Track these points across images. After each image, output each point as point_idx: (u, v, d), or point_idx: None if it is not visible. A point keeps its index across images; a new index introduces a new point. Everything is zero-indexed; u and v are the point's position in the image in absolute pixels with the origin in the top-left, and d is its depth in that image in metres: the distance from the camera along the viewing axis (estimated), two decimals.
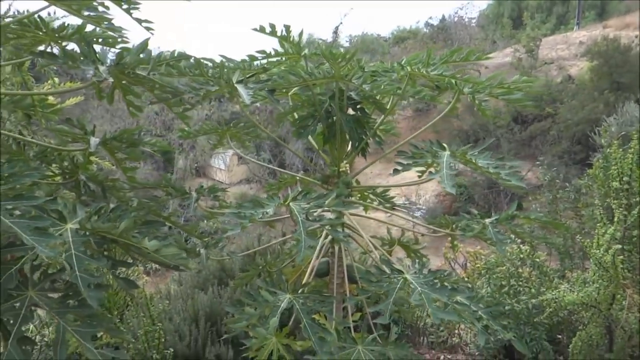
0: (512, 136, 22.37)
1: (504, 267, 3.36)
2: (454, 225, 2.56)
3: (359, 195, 2.97)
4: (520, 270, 3.51)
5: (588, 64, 22.82)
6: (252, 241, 3.71)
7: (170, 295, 3.68)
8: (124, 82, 2.23)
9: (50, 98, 3.08)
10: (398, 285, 1.86)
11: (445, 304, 1.91)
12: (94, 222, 1.83)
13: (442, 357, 3.38)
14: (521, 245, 3.58)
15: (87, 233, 1.83)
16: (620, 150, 3.06)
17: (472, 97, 2.25)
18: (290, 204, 1.81)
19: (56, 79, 3.44)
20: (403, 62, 2.22)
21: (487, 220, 2.26)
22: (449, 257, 4.39)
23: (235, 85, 1.97)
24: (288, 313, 2.25)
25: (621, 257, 2.89)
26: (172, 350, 2.91)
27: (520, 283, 3.28)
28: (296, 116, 2.39)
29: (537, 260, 3.30)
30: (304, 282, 2.21)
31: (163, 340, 2.93)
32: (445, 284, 2.12)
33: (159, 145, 2.61)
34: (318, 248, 2.43)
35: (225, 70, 1.96)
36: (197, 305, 3.19)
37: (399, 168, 1.99)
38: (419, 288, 1.82)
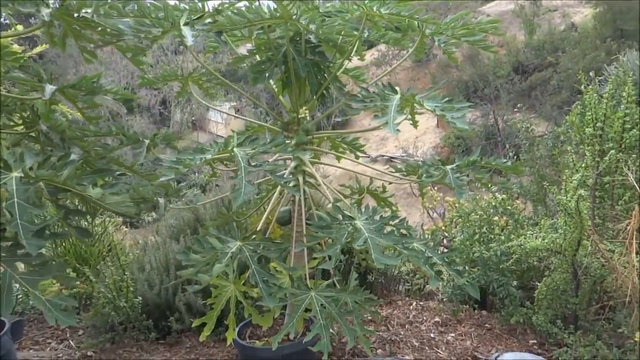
0: (512, 86, 22.07)
1: (477, 216, 3.36)
2: (420, 172, 2.51)
3: (331, 143, 2.93)
4: (495, 218, 3.51)
5: (592, 11, 22.26)
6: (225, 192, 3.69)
7: (146, 246, 3.69)
8: (74, 26, 2.16)
9: (15, 46, 3.00)
10: (347, 231, 1.84)
11: (395, 250, 1.91)
12: (37, 170, 1.79)
13: (414, 303, 3.42)
14: (497, 194, 3.56)
15: (31, 181, 1.80)
16: (595, 95, 3.00)
17: (435, 40, 2.18)
18: (235, 149, 1.77)
19: (19, 27, 3.33)
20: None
21: (448, 167, 2.22)
22: (426, 207, 4.39)
23: (182, 27, 1.90)
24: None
25: (589, 203, 2.87)
26: (140, 298, 2.94)
27: (492, 231, 3.28)
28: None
29: (509, 208, 3.29)
30: (257, 228, 2.20)
31: (132, 289, 2.96)
32: (402, 231, 2.11)
33: (121, 93, 2.55)
34: (276, 195, 2.40)
35: (170, 12, 1.88)
36: (169, 255, 3.20)
37: (348, 112, 1.93)
38: (366, 234, 1.80)
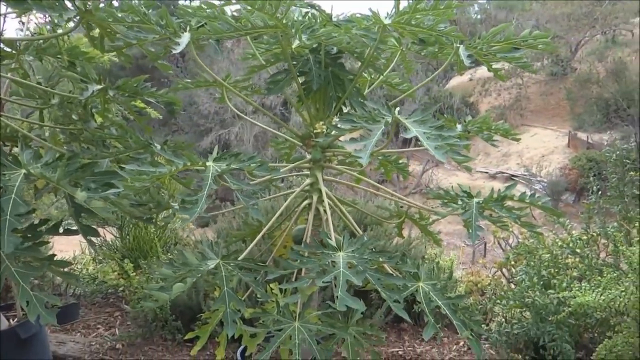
0: None
1: (544, 254, 2.94)
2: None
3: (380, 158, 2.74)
4: (568, 261, 3.06)
5: None
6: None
7: (198, 244, 3.77)
8: (108, 30, 2.23)
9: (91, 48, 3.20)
10: (322, 264, 1.67)
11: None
12: (34, 168, 1.85)
13: (461, 343, 3.09)
14: (573, 232, 3.10)
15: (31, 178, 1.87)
16: None
17: (457, 56, 1.91)
18: (209, 163, 1.68)
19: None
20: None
21: (474, 201, 1.96)
22: (498, 237, 3.97)
23: (183, 33, 1.86)
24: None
25: None
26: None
27: (556, 274, 2.84)
28: None
29: (578, 251, 2.83)
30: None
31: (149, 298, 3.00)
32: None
33: (165, 96, 2.59)
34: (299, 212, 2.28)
35: (169, 20, 1.84)
36: None
37: (334, 133, 1.75)
38: (341, 269, 1.62)
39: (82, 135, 2.59)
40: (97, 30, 2.29)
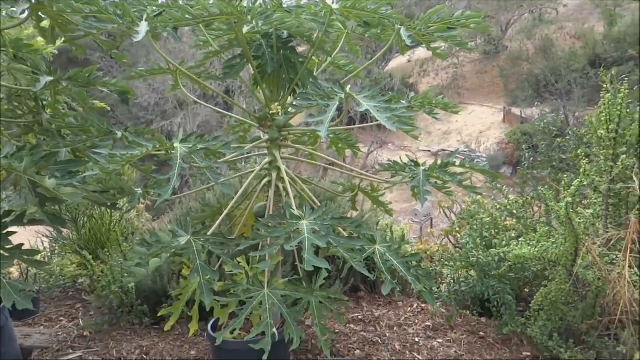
0: (586, 81, 20.85)
1: (482, 218, 3.21)
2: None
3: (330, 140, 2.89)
4: (507, 223, 3.35)
5: None
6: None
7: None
8: (59, 21, 2.26)
9: (39, 39, 3.16)
10: (288, 231, 1.81)
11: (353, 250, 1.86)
12: (2, 158, 1.88)
13: (415, 305, 3.33)
14: (509, 196, 3.39)
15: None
16: (610, 92, 2.79)
17: (398, 37, 2.09)
18: (177, 144, 1.79)
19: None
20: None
21: (421, 168, 2.15)
22: (443, 206, 4.25)
23: (141, 22, 1.93)
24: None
25: (601, 211, 2.67)
26: (133, 284, 3.05)
27: (497, 234, 3.12)
28: None
29: (515, 212, 3.11)
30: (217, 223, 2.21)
31: (126, 275, 3.07)
32: (353, 233, 2.06)
33: (118, 85, 2.63)
34: (259, 190, 2.41)
35: (127, 10, 1.91)
36: None
37: (292, 111, 1.90)
38: (306, 234, 1.77)
39: (37, 127, 2.60)
40: (46, 22, 2.32)
